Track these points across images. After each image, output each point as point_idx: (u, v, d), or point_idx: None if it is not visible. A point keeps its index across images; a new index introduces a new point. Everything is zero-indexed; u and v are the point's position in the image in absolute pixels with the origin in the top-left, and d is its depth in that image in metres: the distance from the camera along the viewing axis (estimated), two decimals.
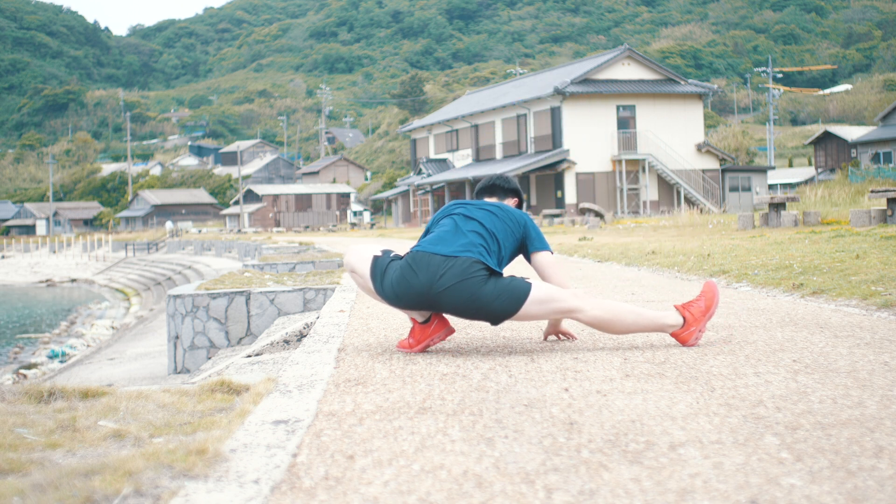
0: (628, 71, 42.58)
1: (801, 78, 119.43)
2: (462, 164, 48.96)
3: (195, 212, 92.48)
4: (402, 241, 24.79)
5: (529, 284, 3.94)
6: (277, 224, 73.57)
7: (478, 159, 47.80)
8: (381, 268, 4.02)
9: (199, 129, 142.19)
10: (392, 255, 4.08)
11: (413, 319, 4.12)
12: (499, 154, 46.17)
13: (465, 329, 4.91)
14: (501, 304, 3.89)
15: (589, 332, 4.67)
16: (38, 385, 3.41)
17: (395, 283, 3.95)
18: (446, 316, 4.20)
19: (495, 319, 3.96)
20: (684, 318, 3.99)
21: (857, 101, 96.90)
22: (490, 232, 4.05)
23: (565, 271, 8.78)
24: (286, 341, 6.18)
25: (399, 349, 4.13)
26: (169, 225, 66.44)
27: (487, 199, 4.40)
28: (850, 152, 57.09)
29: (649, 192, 40.92)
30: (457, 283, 3.86)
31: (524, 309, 3.90)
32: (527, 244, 4.16)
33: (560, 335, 4.34)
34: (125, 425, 2.77)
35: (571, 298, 3.96)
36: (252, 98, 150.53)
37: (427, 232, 4.19)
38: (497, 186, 4.43)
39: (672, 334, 4.01)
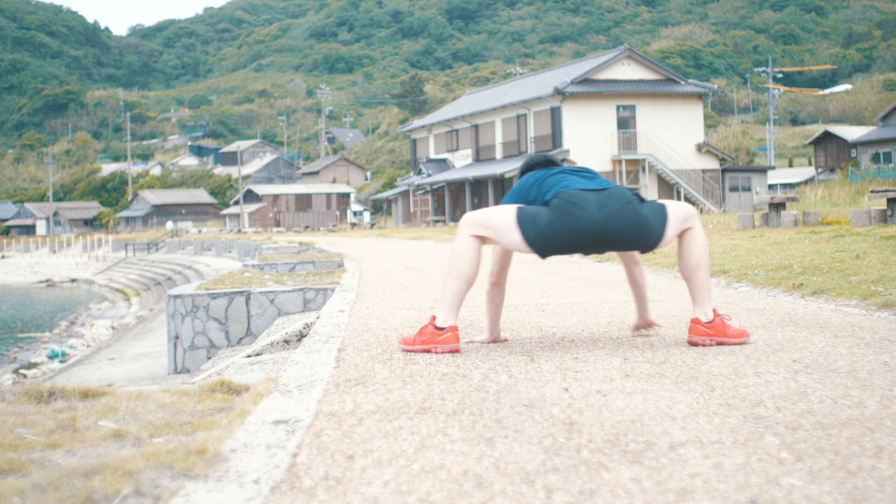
0: (628, 71, 42.59)
1: (801, 78, 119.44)
2: (462, 164, 48.97)
3: (195, 212, 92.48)
4: (402, 240, 24.79)
5: (664, 206, 4.09)
6: (277, 224, 73.58)
7: (478, 159, 47.80)
8: (530, 215, 3.99)
9: (199, 129, 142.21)
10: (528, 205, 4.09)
11: (433, 319, 4.08)
12: (499, 154, 46.17)
13: (465, 329, 4.91)
14: (656, 225, 4.00)
15: (589, 332, 4.68)
16: (38, 385, 3.41)
17: (555, 221, 3.94)
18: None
19: (649, 246, 4.04)
20: (713, 318, 4.05)
21: (857, 101, 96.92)
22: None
23: None
24: (286, 341, 6.18)
25: (400, 344, 4.11)
26: (170, 225, 66.49)
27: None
28: (850, 152, 57.09)
29: (649, 192, 40.92)
30: (622, 208, 3.94)
31: (667, 230, 4.04)
32: None
33: (647, 327, 4.49)
34: (125, 425, 2.77)
35: (697, 217, 4.18)
36: (252, 98, 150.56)
37: (527, 198, 4.14)
38: (551, 160, 4.46)
39: (693, 319, 4.06)
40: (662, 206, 4.06)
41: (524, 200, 4.16)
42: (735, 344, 4.03)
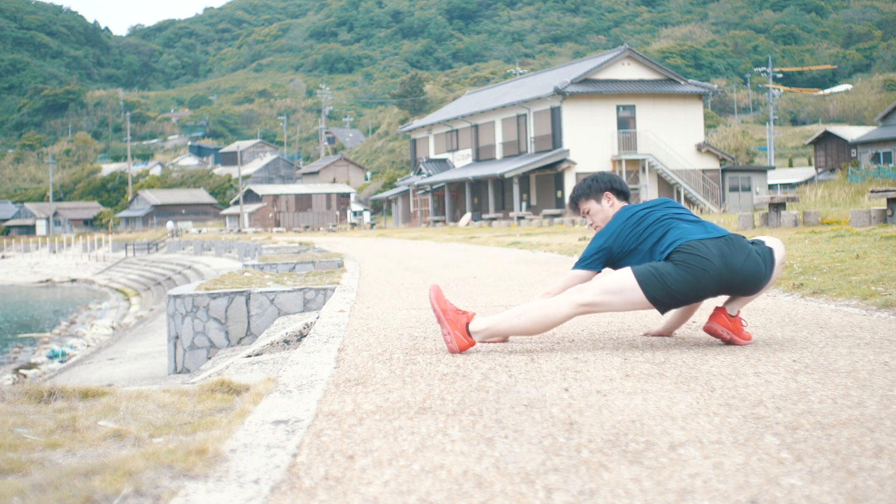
0: (628, 71, 42.58)
1: (801, 78, 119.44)
2: (462, 164, 48.96)
3: (195, 212, 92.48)
4: (402, 240, 24.78)
5: (770, 248, 4.13)
6: (277, 224, 73.58)
7: (478, 159, 47.80)
8: (652, 273, 3.94)
9: (199, 129, 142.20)
10: (634, 264, 4.07)
11: (472, 317, 4.04)
12: (499, 154, 46.17)
13: None
14: (767, 267, 4.05)
15: (589, 332, 4.67)
16: (38, 385, 3.41)
17: (688, 279, 3.93)
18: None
19: (761, 287, 4.07)
20: (736, 316, 4.13)
21: (857, 101, 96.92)
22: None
23: None
24: (286, 341, 6.18)
25: (431, 292, 4.08)
26: (170, 225, 66.48)
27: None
28: (850, 152, 57.09)
29: (649, 192, 40.91)
30: (746, 259, 3.99)
31: (775, 271, 4.09)
32: None
33: (661, 336, 4.47)
34: (125, 425, 2.77)
35: (784, 249, 4.23)
36: (252, 98, 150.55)
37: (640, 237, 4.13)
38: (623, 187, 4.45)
39: (718, 308, 4.13)
40: (770, 251, 4.09)
41: (619, 246, 4.14)
42: (741, 345, 4.04)
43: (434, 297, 4.03)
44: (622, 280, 3.97)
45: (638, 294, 3.93)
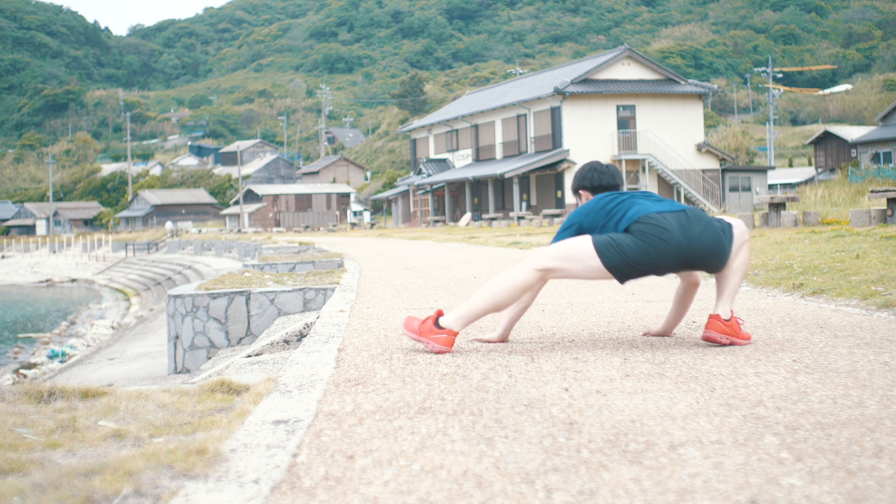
0: (628, 71, 42.58)
1: (801, 78, 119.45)
2: (462, 164, 48.96)
3: (195, 212, 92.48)
4: (402, 240, 24.78)
5: (730, 224, 4.16)
6: (277, 224, 73.58)
7: (478, 159, 47.80)
8: (610, 242, 4.00)
9: (199, 129, 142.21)
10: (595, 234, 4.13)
11: (439, 313, 4.06)
12: (499, 154, 46.17)
13: (465, 329, 4.91)
14: (727, 240, 4.06)
15: (589, 332, 4.68)
16: (38, 385, 3.41)
17: (645, 249, 3.96)
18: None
19: (722, 264, 4.09)
20: (731, 318, 4.09)
21: (857, 101, 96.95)
22: None
23: None
24: (286, 341, 6.18)
25: (404, 329, 4.10)
26: (169, 225, 66.46)
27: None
28: (850, 152, 57.10)
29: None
30: (704, 229, 4.01)
31: (733, 246, 4.10)
32: None
33: (663, 336, 4.47)
34: (125, 425, 2.77)
35: (748, 232, 4.23)
36: (252, 98, 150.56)
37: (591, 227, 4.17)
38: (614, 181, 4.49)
39: (713, 315, 4.07)
40: (729, 226, 4.13)
41: (589, 222, 4.18)
42: (742, 345, 4.04)
43: (405, 327, 4.09)
44: (580, 246, 4.03)
45: (595, 262, 3.99)
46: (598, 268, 4.00)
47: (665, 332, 4.49)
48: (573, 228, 4.22)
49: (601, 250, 3.98)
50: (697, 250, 3.98)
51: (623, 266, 3.98)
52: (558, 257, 4.03)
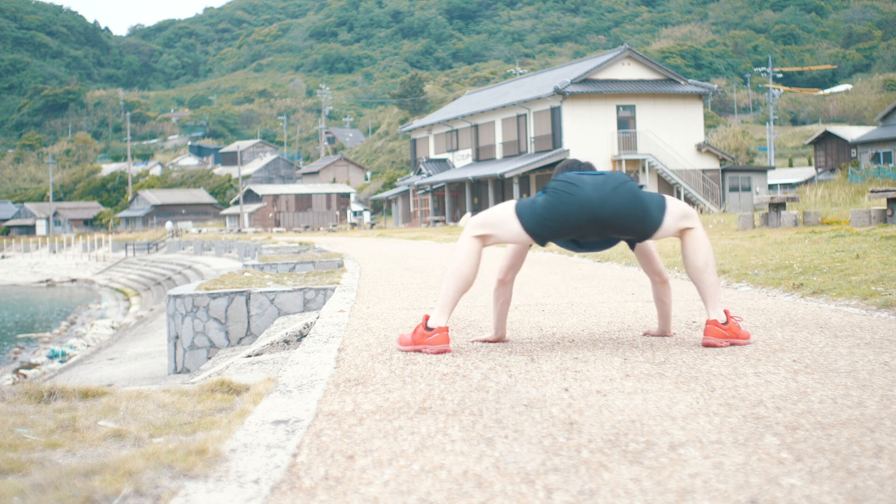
0: (628, 71, 42.58)
1: (801, 78, 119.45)
2: (462, 164, 48.96)
3: (195, 212, 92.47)
4: (402, 240, 24.78)
5: (664, 197, 4.10)
6: (277, 224, 73.58)
7: (478, 159, 47.80)
8: (528, 203, 4.05)
9: (199, 129, 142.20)
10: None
11: (426, 319, 4.10)
12: (499, 154, 46.17)
13: (465, 329, 4.91)
14: (654, 210, 3.99)
15: (589, 332, 4.68)
16: (38, 385, 3.41)
17: (553, 202, 3.97)
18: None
19: (645, 233, 4.02)
20: (728, 321, 4.04)
21: (857, 101, 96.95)
22: None
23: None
24: (286, 341, 6.18)
25: (398, 343, 4.13)
26: (169, 225, 66.44)
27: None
28: (850, 152, 57.10)
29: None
30: (619, 186, 3.96)
31: (665, 221, 4.01)
32: None
33: (663, 336, 4.44)
34: (125, 425, 2.77)
35: (696, 216, 4.13)
36: (252, 98, 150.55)
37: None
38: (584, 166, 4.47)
39: (710, 321, 4.02)
40: (662, 197, 4.09)
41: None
42: (743, 344, 4.03)
43: (399, 343, 4.11)
44: (504, 211, 4.09)
45: (516, 225, 4.03)
46: (518, 231, 4.05)
47: (663, 333, 4.48)
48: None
49: (519, 212, 4.03)
50: (608, 207, 3.92)
51: (536, 225, 4.00)
52: (485, 223, 4.10)
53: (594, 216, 3.95)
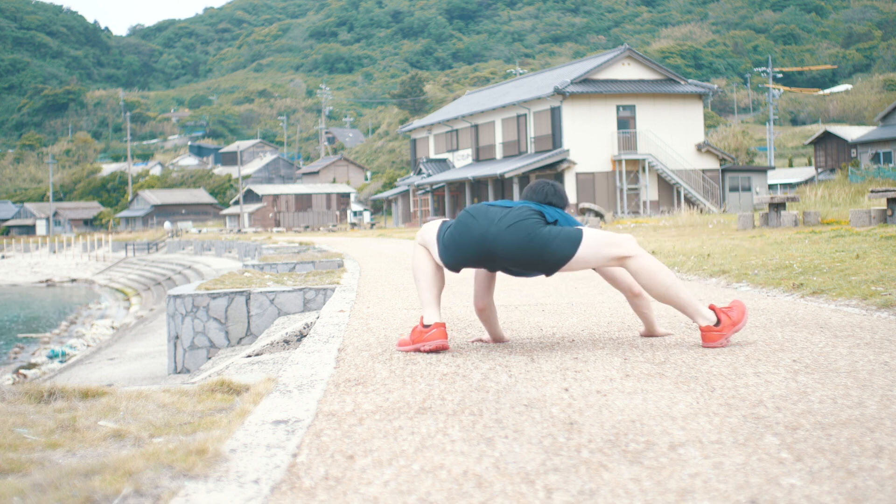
0: (628, 71, 42.57)
1: (801, 78, 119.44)
2: (462, 164, 48.96)
3: (195, 212, 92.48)
4: (402, 240, 24.77)
5: (581, 230, 4.02)
6: (277, 224, 73.57)
7: (478, 159, 47.80)
8: (444, 228, 4.12)
9: (199, 129, 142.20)
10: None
11: (421, 319, 4.11)
12: (499, 154, 46.17)
13: (465, 329, 4.91)
14: (559, 245, 3.93)
15: (589, 332, 4.67)
16: (38, 385, 3.41)
17: (454, 233, 4.03)
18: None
19: (551, 266, 3.98)
20: (720, 319, 3.97)
21: (857, 101, 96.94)
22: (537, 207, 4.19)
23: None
24: (286, 341, 6.18)
25: (398, 346, 4.14)
26: (167, 225, 66.44)
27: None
28: (850, 152, 57.10)
29: (649, 192, 40.92)
30: (515, 224, 3.95)
31: (580, 252, 3.94)
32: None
33: (656, 336, 4.40)
34: (125, 425, 2.77)
35: (627, 243, 4.02)
36: (252, 98, 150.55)
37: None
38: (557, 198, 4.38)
39: (702, 328, 3.96)
40: (579, 231, 4.01)
41: None
42: (743, 324, 3.99)
43: (399, 346, 4.13)
44: (433, 231, 4.19)
45: (435, 247, 4.14)
46: (436, 254, 4.13)
47: (650, 333, 4.45)
48: None
49: (439, 235, 4.12)
50: (500, 244, 3.93)
51: (443, 253, 4.08)
52: (423, 238, 4.21)
53: (486, 251, 3.98)
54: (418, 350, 4.03)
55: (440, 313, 4.13)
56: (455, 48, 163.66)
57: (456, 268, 4.10)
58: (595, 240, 3.98)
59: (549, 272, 4.01)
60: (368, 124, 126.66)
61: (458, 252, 4.02)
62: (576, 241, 3.95)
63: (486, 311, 4.37)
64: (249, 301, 8.06)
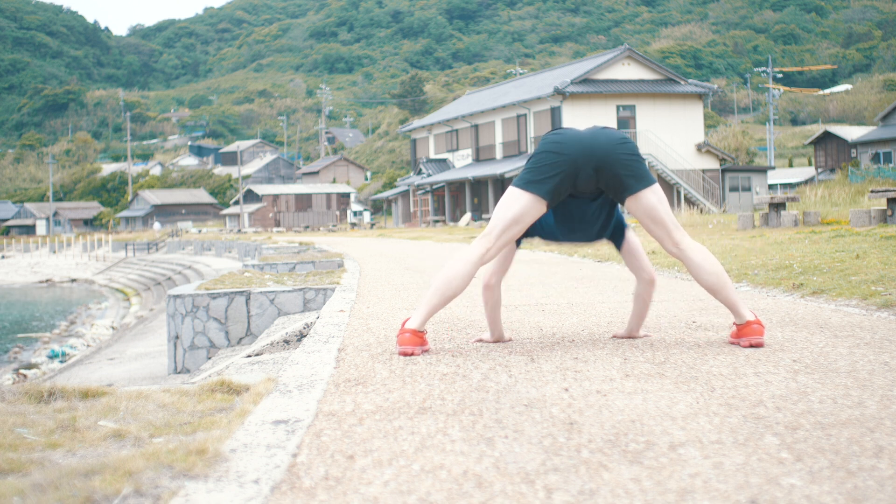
0: (628, 71, 42.58)
1: (801, 78, 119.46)
2: (462, 164, 48.97)
3: (195, 212, 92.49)
4: (402, 240, 24.78)
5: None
6: (277, 224, 73.58)
7: (478, 159, 47.80)
8: (518, 178, 4.08)
9: (199, 129, 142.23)
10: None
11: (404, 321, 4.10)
12: (499, 154, 46.17)
13: (465, 329, 4.91)
14: (647, 172, 4.02)
15: (589, 332, 4.67)
16: (38, 385, 3.41)
17: (543, 153, 3.98)
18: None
19: (630, 185, 3.96)
20: (756, 320, 3.97)
21: (857, 101, 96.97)
22: None
23: None
24: (286, 341, 6.18)
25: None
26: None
27: None
28: (850, 152, 57.10)
29: None
30: (609, 129, 4.04)
31: (647, 192, 3.99)
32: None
33: (631, 338, 4.38)
34: (125, 425, 2.77)
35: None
36: (252, 98, 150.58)
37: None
38: None
39: (738, 325, 3.96)
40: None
41: None
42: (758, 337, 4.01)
43: (399, 347, 4.00)
44: (509, 195, 4.10)
45: (524, 196, 4.02)
46: (529, 200, 3.97)
47: (630, 334, 4.40)
48: None
49: (516, 184, 4.04)
50: (601, 144, 3.92)
51: (531, 185, 3.96)
52: (502, 222, 4.05)
53: (585, 155, 3.91)
54: (415, 353, 3.96)
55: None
56: (455, 48, 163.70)
57: (549, 197, 3.97)
58: (662, 195, 4.10)
59: (619, 195, 3.99)
60: (368, 124, 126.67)
61: (552, 164, 3.93)
62: (652, 180, 4.04)
63: (492, 291, 4.28)
64: (249, 301, 8.06)
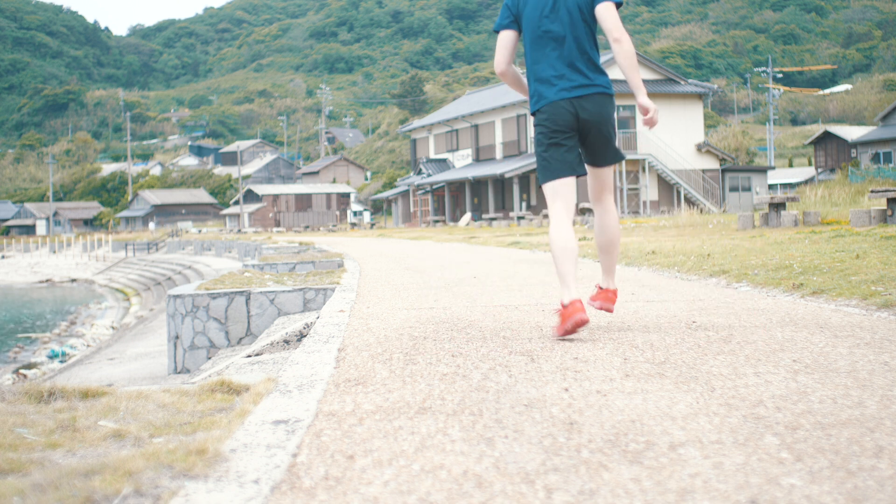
0: None
1: (801, 78, 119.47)
2: (462, 164, 48.96)
3: (195, 212, 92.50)
4: (402, 240, 24.78)
5: None
6: (277, 224, 73.58)
7: (478, 159, 47.79)
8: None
9: (199, 129, 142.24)
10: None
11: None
12: (499, 154, 46.17)
13: (466, 329, 4.91)
14: None
15: (589, 332, 4.67)
16: (38, 385, 3.41)
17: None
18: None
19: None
20: (615, 291, 4.98)
21: (857, 101, 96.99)
22: None
23: None
24: (286, 341, 6.18)
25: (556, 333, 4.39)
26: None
27: None
28: (850, 152, 57.10)
29: (649, 192, 40.93)
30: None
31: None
32: None
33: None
34: (125, 425, 2.77)
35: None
36: (252, 98, 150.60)
37: None
38: None
39: (600, 288, 4.73)
40: None
41: None
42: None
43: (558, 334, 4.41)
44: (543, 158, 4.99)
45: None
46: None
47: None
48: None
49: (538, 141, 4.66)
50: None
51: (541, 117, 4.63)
52: (560, 186, 4.70)
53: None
54: (568, 332, 4.29)
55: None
56: (455, 48, 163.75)
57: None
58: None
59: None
60: (368, 124, 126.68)
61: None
62: None
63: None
64: (249, 301, 8.06)
